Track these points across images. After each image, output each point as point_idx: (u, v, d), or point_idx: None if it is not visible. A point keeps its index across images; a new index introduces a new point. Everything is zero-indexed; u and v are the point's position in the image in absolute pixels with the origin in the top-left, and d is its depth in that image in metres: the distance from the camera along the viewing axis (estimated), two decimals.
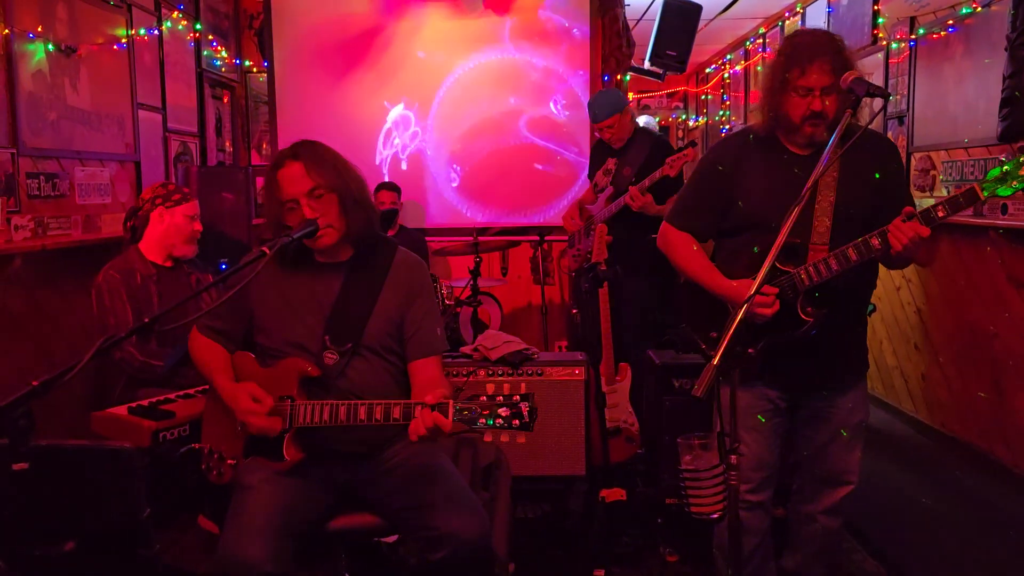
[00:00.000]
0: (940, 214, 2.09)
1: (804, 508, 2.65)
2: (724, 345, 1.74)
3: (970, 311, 4.43)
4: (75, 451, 1.49)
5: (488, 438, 1.92)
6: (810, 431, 2.54)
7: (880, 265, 2.46)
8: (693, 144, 4.61)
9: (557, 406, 3.41)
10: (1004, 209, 4.02)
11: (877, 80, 5.39)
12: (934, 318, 4.75)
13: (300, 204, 2.23)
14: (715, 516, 2.51)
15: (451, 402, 1.99)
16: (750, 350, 2.34)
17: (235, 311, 2.36)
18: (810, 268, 2.25)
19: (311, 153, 2.27)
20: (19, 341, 3.51)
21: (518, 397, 1.96)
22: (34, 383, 1.39)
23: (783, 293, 2.25)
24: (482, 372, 3.41)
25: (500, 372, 3.41)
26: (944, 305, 4.67)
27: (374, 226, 2.35)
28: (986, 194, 2.05)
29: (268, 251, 2.00)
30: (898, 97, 5.11)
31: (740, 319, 1.77)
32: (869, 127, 2.22)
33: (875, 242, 2.16)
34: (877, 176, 2.31)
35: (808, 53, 2.22)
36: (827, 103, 2.24)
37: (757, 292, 1.83)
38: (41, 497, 1.43)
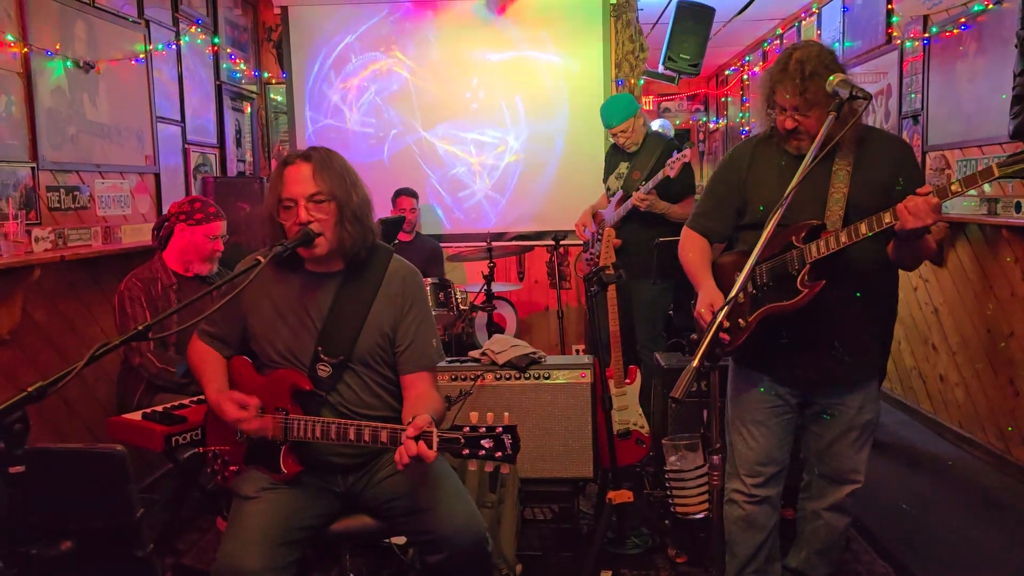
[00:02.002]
0: (955, 189, 2.11)
1: (810, 505, 2.67)
2: (702, 349, 1.76)
3: (986, 311, 4.39)
4: (69, 454, 1.55)
5: (472, 466, 1.95)
6: (819, 428, 2.56)
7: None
8: (691, 145, 4.64)
9: (564, 409, 3.43)
10: (1018, 207, 3.98)
11: (892, 79, 5.36)
12: (951, 318, 4.71)
13: (297, 204, 2.21)
14: (700, 516, 2.53)
15: (434, 432, 2.01)
16: (740, 320, 2.39)
17: (230, 317, 2.37)
18: (820, 243, 2.28)
19: (323, 159, 2.26)
20: (42, 350, 3.63)
21: (500, 429, 1.99)
22: (29, 388, 1.45)
23: (790, 264, 2.31)
24: (489, 376, 3.45)
25: (507, 376, 3.45)
26: (960, 305, 4.63)
27: (367, 244, 2.32)
28: (1000, 173, 2.05)
29: (262, 259, 2.04)
30: (914, 96, 5.08)
31: (719, 324, 1.79)
32: (882, 129, 2.25)
33: (887, 217, 2.17)
34: (900, 185, 2.34)
35: (779, 76, 2.30)
36: (800, 120, 2.31)
37: (738, 293, 1.84)
38: (37, 499, 1.48)
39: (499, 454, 1.99)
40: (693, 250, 2.60)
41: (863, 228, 2.21)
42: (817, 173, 2.34)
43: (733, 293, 1.84)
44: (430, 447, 2.00)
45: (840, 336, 2.41)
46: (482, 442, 1.99)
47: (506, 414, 2.03)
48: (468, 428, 2.02)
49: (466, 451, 2.00)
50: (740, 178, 2.52)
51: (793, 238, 2.33)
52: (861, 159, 2.37)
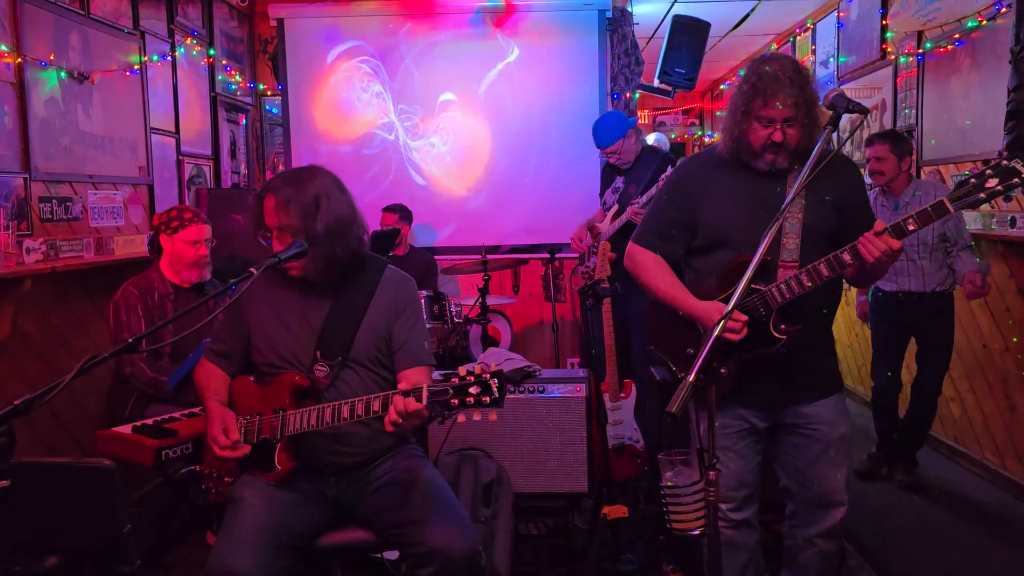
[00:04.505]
0: (911, 227, 2.11)
1: (800, 532, 2.59)
2: (700, 362, 1.74)
3: (981, 325, 4.39)
4: (56, 468, 1.52)
5: (462, 418, 1.92)
6: (793, 452, 2.50)
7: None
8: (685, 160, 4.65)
9: (559, 423, 3.42)
10: (1012, 222, 3.99)
11: (886, 94, 5.38)
12: None
13: (273, 235, 2.35)
14: (696, 532, 2.50)
15: (424, 387, 2.04)
16: (722, 370, 2.31)
17: (233, 331, 2.48)
18: (782, 286, 2.24)
19: (287, 191, 2.32)
20: (33, 362, 3.59)
21: (487, 375, 1.99)
22: (16, 401, 1.43)
23: (755, 311, 2.25)
24: None
25: None
26: (956, 319, 4.62)
27: (339, 260, 2.36)
28: (955, 208, 2.06)
29: (256, 271, 2.05)
30: (909, 111, 5.09)
31: (716, 336, 1.77)
32: (832, 147, 2.23)
33: (846, 257, 2.18)
34: (830, 197, 2.33)
35: (772, 86, 2.24)
36: (788, 133, 2.27)
37: (734, 310, 1.83)
38: (23, 513, 1.46)
39: (487, 399, 1.99)
40: (663, 276, 2.45)
41: (824, 270, 2.20)
42: (771, 195, 2.32)
43: (732, 306, 1.82)
44: (420, 401, 2.02)
45: (798, 356, 2.35)
46: (470, 389, 1.99)
47: (493, 363, 2.05)
48: (456, 379, 2.02)
49: (455, 400, 2.00)
50: (692, 197, 2.45)
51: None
52: (813, 180, 2.31)
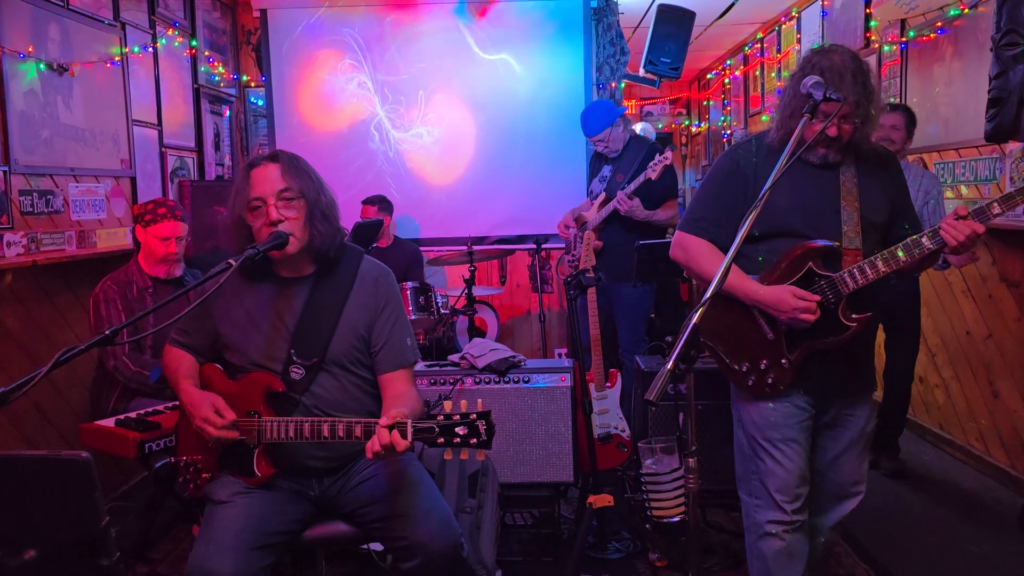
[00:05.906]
0: (995, 211, 2.10)
1: (808, 521, 2.51)
2: (678, 350, 1.75)
3: (964, 312, 4.42)
4: (32, 461, 1.51)
5: (448, 455, 1.92)
6: (827, 441, 2.46)
7: None
8: (673, 148, 4.65)
9: (544, 413, 3.42)
10: None
11: None
12: (930, 320, 4.73)
13: (266, 203, 2.21)
14: (675, 519, 2.51)
15: (408, 422, 1.98)
16: (783, 360, 2.30)
17: (201, 327, 2.38)
18: (855, 271, 2.21)
19: (290, 159, 2.29)
20: (15, 356, 3.57)
21: (475, 415, 1.96)
22: None
23: (824, 298, 2.23)
24: (469, 380, 3.43)
25: (487, 380, 3.43)
26: (939, 307, 4.65)
27: (336, 243, 2.32)
28: None
29: (233, 263, 2.01)
30: (893, 99, 5.10)
31: (694, 325, 1.77)
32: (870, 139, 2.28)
33: (925, 241, 2.16)
34: (883, 191, 2.36)
35: (834, 82, 2.19)
36: (844, 128, 2.24)
37: (711, 298, 1.83)
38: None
39: (474, 440, 1.97)
40: (713, 259, 2.35)
41: (902, 255, 2.17)
42: (827, 185, 2.31)
43: (710, 293, 1.82)
44: (404, 437, 1.97)
45: (856, 346, 2.34)
46: (456, 430, 1.96)
47: (479, 400, 2.02)
48: (442, 416, 1.99)
49: (441, 439, 1.98)
50: (747, 184, 2.38)
51: (812, 264, 2.25)
52: (862, 170, 2.33)
